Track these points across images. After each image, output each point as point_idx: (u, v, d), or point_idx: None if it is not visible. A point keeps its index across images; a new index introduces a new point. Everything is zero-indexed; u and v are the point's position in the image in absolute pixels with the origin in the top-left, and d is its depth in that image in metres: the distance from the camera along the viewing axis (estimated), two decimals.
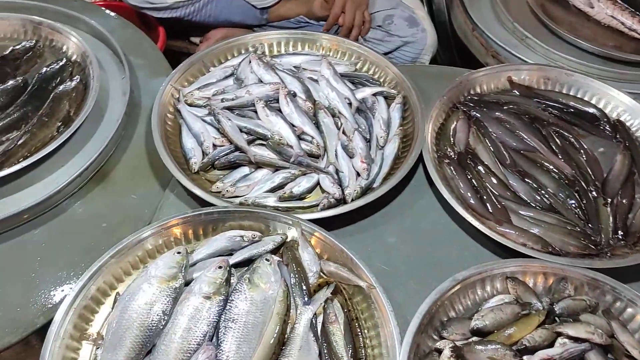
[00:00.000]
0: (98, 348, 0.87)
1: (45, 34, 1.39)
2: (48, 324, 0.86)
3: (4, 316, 0.95)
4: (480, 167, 1.18)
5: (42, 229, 1.07)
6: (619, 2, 1.64)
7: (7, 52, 1.33)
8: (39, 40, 1.38)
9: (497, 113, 1.27)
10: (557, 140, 1.23)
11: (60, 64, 1.31)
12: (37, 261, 1.02)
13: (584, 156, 1.21)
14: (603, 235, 1.07)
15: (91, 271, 0.91)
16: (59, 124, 1.20)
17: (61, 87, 1.25)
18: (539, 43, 1.51)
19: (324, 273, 0.98)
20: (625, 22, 1.59)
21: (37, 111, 1.21)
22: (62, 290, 0.98)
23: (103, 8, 1.54)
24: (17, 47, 1.34)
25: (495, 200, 1.11)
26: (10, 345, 0.93)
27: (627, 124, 1.28)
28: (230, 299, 0.90)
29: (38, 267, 1.01)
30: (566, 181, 1.16)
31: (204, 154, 1.17)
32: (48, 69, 1.29)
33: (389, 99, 1.31)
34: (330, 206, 1.08)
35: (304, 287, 0.94)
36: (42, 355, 0.83)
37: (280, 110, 1.21)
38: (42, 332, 0.89)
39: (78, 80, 1.27)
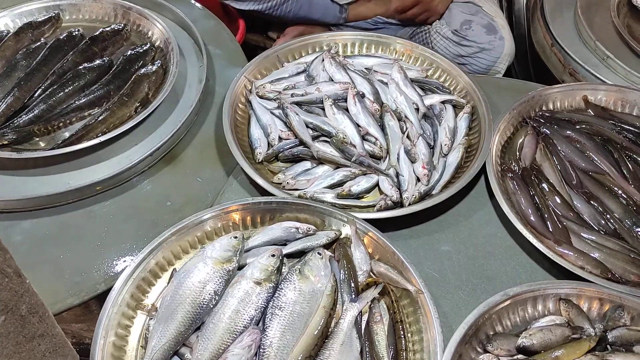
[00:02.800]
0: (151, 319, 0.91)
1: (134, 18, 1.46)
2: (108, 291, 0.91)
3: (69, 279, 1.00)
4: (544, 185, 1.14)
5: (112, 202, 1.13)
6: None
7: (97, 33, 1.40)
8: (127, 24, 1.45)
9: (568, 132, 1.24)
10: (629, 165, 1.18)
11: (145, 48, 1.37)
12: (104, 231, 1.08)
13: None
14: None
15: (152, 246, 0.96)
16: (137, 104, 1.26)
17: (143, 70, 1.31)
18: (621, 64, 1.44)
19: (373, 273, 0.98)
20: None
21: (118, 90, 1.27)
22: (124, 261, 1.03)
23: None
24: (107, 29, 1.42)
25: (556, 220, 1.08)
26: (71, 306, 0.99)
27: None
28: (279, 287, 0.92)
29: (104, 236, 1.07)
30: (634, 208, 1.11)
31: (270, 145, 1.20)
32: (133, 51, 1.36)
33: (457, 107, 1.29)
34: (387, 208, 1.09)
35: (352, 284, 0.94)
36: (99, 319, 0.88)
37: (347, 110, 1.22)
38: (101, 298, 0.94)
39: (159, 64, 1.33)
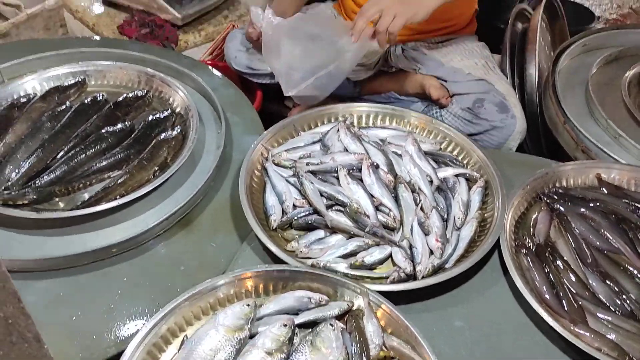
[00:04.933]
0: None
1: (156, 85, 1.52)
2: (119, 355, 0.91)
3: (80, 342, 1.01)
4: (559, 262, 1.15)
5: (126, 264, 1.14)
6: None
7: (121, 98, 1.46)
8: (149, 90, 1.51)
9: (582, 209, 1.25)
10: None
11: (165, 114, 1.43)
12: (117, 294, 1.08)
13: None
14: None
15: (165, 311, 0.96)
16: (156, 168, 1.30)
17: (163, 135, 1.35)
18: (633, 143, 1.47)
19: (385, 347, 0.98)
20: None
21: (138, 154, 1.31)
22: (136, 325, 1.04)
23: (210, 67, 1.67)
24: (130, 95, 1.48)
25: (572, 298, 1.08)
26: None
27: None
28: (290, 358, 0.92)
29: (117, 299, 1.08)
30: None
31: (284, 212, 1.22)
32: (154, 117, 1.41)
33: (470, 181, 1.32)
34: (400, 280, 1.09)
35: (364, 358, 0.94)
36: None
37: (361, 180, 1.25)
38: None
39: (179, 130, 1.38)
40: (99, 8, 1.99)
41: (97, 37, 1.91)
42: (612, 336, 1.01)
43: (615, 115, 1.57)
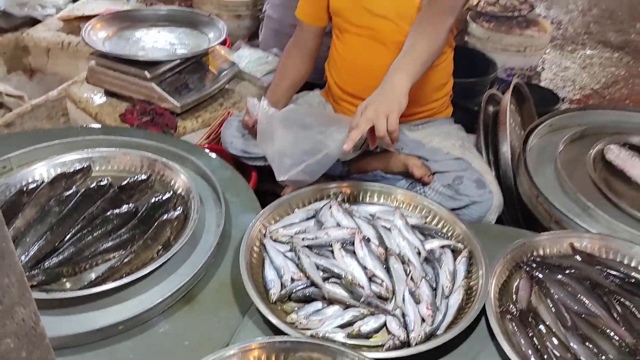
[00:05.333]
0: None
1: (158, 168, 1.60)
2: None
3: None
4: (541, 326, 1.21)
5: (132, 342, 1.17)
6: None
7: (125, 182, 1.54)
8: (152, 174, 1.58)
9: (559, 276, 1.33)
10: (618, 309, 1.26)
11: (167, 195, 1.50)
12: None
13: None
14: None
15: None
16: (160, 247, 1.36)
17: (166, 216, 1.42)
18: (601, 214, 1.57)
19: None
20: None
21: (143, 235, 1.37)
22: None
23: (207, 150, 1.77)
24: (134, 179, 1.55)
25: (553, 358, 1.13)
26: None
27: None
28: None
29: None
30: (627, 349, 1.17)
31: (283, 286, 1.28)
32: (157, 199, 1.48)
33: (455, 252, 1.40)
34: (395, 348, 1.14)
35: None
36: None
37: (354, 253, 1.32)
38: None
39: (180, 211, 1.44)
40: (101, 98, 2.09)
41: (99, 125, 2.00)
42: None
43: (583, 188, 1.68)
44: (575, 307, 1.27)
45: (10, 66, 2.46)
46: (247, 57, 2.34)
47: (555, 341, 1.18)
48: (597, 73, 3.77)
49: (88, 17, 2.59)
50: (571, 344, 1.18)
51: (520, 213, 1.83)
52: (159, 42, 2.10)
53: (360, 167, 1.84)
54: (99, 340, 1.16)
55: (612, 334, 1.21)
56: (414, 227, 1.43)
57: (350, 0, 1.76)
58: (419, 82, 1.54)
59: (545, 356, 1.15)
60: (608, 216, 1.56)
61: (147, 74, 1.93)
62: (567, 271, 1.35)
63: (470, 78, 2.47)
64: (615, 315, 1.25)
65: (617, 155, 1.83)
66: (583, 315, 1.26)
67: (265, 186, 1.93)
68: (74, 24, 2.62)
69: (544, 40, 2.79)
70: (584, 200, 1.62)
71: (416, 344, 1.14)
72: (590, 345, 1.18)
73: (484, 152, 1.95)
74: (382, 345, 1.15)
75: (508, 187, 1.83)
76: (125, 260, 1.30)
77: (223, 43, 2.38)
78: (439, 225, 1.49)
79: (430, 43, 1.53)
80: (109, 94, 2.10)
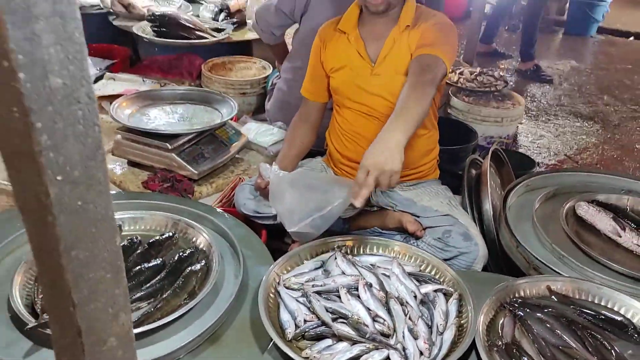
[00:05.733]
0: None
1: (181, 228, 1.78)
2: None
3: None
4: (525, 358, 1.37)
5: None
6: None
7: (152, 240, 1.71)
8: (175, 232, 1.76)
9: (538, 314, 1.50)
10: (591, 341, 1.42)
11: (191, 251, 1.66)
12: None
13: (613, 356, 1.39)
14: None
15: None
16: (186, 296, 1.52)
17: (190, 268, 1.58)
18: (575, 262, 1.75)
19: None
20: None
21: (171, 285, 1.53)
22: None
23: (223, 212, 1.95)
24: (160, 237, 1.73)
25: None
26: None
27: None
28: None
29: None
30: None
31: (297, 326, 1.43)
32: (182, 254, 1.65)
33: (447, 295, 1.56)
34: None
35: None
36: None
37: (359, 297, 1.49)
38: None
39: (203, 264, 1.61)
40: (124, 168, 2.29)
41: (123, 192, 2.19)
42: None
43: (557, 240, 1.87)
44: (554, 341, 1.43)
45: None
46: (254, 130, 2.57)
47: None
48: (569, 140, 4.06)
49: (109, 97, 2.84)
50: None
51: (503, 262, 2.01)
52: (178, 118, 2.33)
53: (360, 224, 2.03)
54: None
55: None
56: (410, 274, 1.60)
57: (347, 81, 2.01)
58: (410, 148, 1.76)
59: None
60: (580, 263, 1.74)
61: (168, 145, 2.15)
62: (545, 310, 1.52)
63: (454, 145, 2.71)
64: (588, 347, 1.41)
65: (586, 210, 2.03)
66: (560, 348, 1.42)
67: (274, 244, 2.11)
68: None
69: (519, 112, 3.06)
70: (558, 250, 1.81)
71: None
72: None
73: (469, 210, 2.15)
74: None
75: (491, 240, 2.02)
76: (158, 306, 1.46)
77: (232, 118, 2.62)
78: (432, 273, 1.66)
79: (419, 105, 1.69)
80: (131, 164, 2.30)
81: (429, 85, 1.75)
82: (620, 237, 1.92)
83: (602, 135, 4.20)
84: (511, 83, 5.04)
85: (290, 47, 2.91)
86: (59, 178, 0.56)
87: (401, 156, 1.55)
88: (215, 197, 2.22)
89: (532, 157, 2.98)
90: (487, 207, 2.05)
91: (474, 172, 2.33)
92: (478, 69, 3.34)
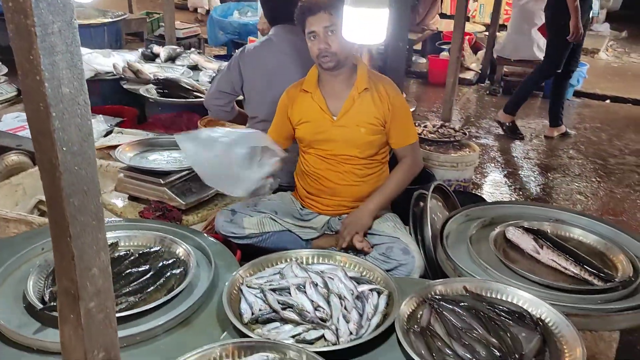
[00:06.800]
0: None
1: (167, 244, 2.10)
2: None
3: None
4: (436, 338, 1.67)
5: (147, 348, 1.62)
6: (557, 250, 2.21)
7: (143, 252, 2.04)
8: (162, 247, 2.09)
9: (452, 306, 1.80)
10: (492, 325, 1.72)
11: (173, 260, 1.99)
12: None
13: (509, 337, 1.68)
14: None
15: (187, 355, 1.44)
16: (166, 292, 1.83)
17: (171, 272, 1.91)
18: (497, 273, 2.06)
19: None
20: (561, 264, 2.15)
21: (154, 283, 1.85)
22: None
23: (203, 233, 2.29)
24: (149, 249, 2.06)
25: (442, 357, 1.58)
26: None
27: (546, 322, 1.76)
28: None
29: None
30: (494, 350, 1.62)
31: (252, 313, 1.74)
32: (165, 262, 1.97)
33: (380, 293, 1.87)
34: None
35: None
36: None
37: (305, 293, 1.80)
38: None
39: (182, 269, 1.94)
40: (124, 202, 2.66)
41: (122, 219, 2.55)
42: None
43: (486, 257, 2.17)
44: (461, 325, 1.73)
45: None
46: None
47: (444, 346, 1.63)
48: (529, 188, 4.41)
49: (116, 147, 3.24)
50: (454, 347, 1.63)
51: (440, 275, 2.31)
52: (170, 159, 2.72)
53: (319, 245, 2.36)
54: (122, 346, 1.60)
55: (484, 341, 1.66)
56: (351, 278, 1.92)
57: (310, 132, 2.41)
58: (365, 184, 2.24)
59: (435, 354, 1.59)
60: (500, 274, 2.05)
61: (161, 180, 2.52)
62: (460, 303, 1.82)
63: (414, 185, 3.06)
64: (489, 330, 1.70)
65: (513, 233, 2.34)
66: (465, 330, 1.71)
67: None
68: (104, 152, 3.25)
69: (472, 157, 3.43)
70: (484, 264, 2.12)
71: (341, 343, 1.59)
72: (469, 349, 1.63)
73: (413, 234, 2.47)
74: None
75: (431, 258, 2.33)
76: (142, 298, 1.78)
77: None
78: (368, 276, 1.98)
79: (398, 186, 2.45)
80: (131, 198, 2.67)
81: (416, 167, 2.49)
82: (539, 254, 2.23)
83: (561, 183, 4.55)
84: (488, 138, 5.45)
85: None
86: (64, 149, 0.92)
87: (371, 220, 2.35)
88: (201, 225, 2.56)
89: (484, 197, 3.31)
90: (427, 229, 2.37)
91: (421, 204, 2.66)
92: (440, 122, 3.74)
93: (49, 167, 0.93)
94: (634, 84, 5.48)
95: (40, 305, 1.69)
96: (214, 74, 4.36)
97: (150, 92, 4.02)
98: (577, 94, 7.50)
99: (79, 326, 1.04)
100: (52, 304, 1.70)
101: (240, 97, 3.05)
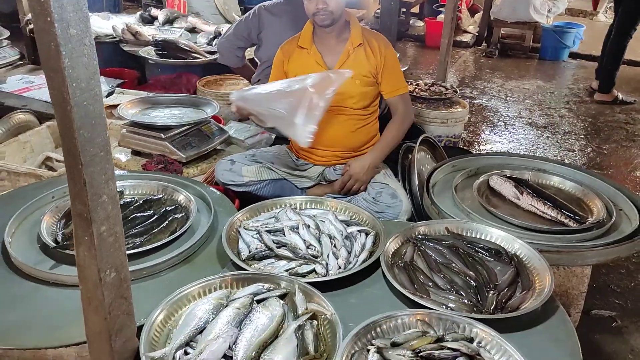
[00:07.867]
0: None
1: (169, 191, 2.22)
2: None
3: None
4: (418, 272, 1.80)
5: (153, 282, 1.75)
6: (537, 196, 2.33)
7: (146, 199, 2.16)
8: (164, 195, 2.21)
9: (433, 244, 1.93)
10: (470, 260, 1.85)
11: (175, 206, 2.12)
12: (152, 295, 1.69)
13: (485, 270, 1.81)
14: (486, 309, 1.63)
15: (183, 289, 1.58)
16: (169, 233, 1.96)
17: (173, 216, 2.04)
18: (478, 216, 2.18)
19: (307, 309, 1.58)
20: (539, 208, 2.27)
21: (158, 226, 1.97)
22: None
23: (203, 182, 2.41)
24: (153, 197, 2.18)
25: (423, 288, 1.71)
26: None
27: (520, 257, 1.89)
28: (250, 313, 1.52)
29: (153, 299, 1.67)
30: (471, 281, 1.75)
31: (249, 251, 1.87)
32: (168, 208, 2.10)
33: (367, 234, 2.00)
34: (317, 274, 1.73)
35: (293, 315, 1.54)
36: None
37: (299, 233, 1.93)
38: None
39: (183, 214, 2.06)
40: (127, 156, 2.77)
41: (127, 171, 2.67)
42: (441, 300, 1.64)
43: (469, 204, 2.29)
44: (441, 260, 1.86)
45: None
46: (235, 127, 3.05)
47: (425, 279, 1.76)
48: (520, 145, 4.51)
49: (118, 105, 3.33)
50: (434, 279, 1.77)
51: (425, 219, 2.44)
52: (171, 116, 2.82)
53: (314, 193, 2.48)
54: (131, 279, 1.73)
55: (461, 274, 1.79)
56: (341, 221, 2.04)
57: None
58: (357, 134, 2.33)
59: (417, 285, 1.72)
60: (482, 217, 2.17)
61: (162, 135, 2.63)
62: (442, 242, 1.95)
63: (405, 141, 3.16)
64: (467, 264, 1.84)
65: (495, 181, 2.46)
66: (445, 264, 1.84)
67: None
68: (107, 111, 3.35)
69: (462, 113, 3.52)
70: (467, 208, 2.24)
71: (330, 275, 1.72)
72: (447, 280, 1.76)
73: (401, 181, 2.59)
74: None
75: (417, 204, 2.45)
76: (147, 239, 1.91)
77: (218, 120, 3.09)
78: (357, 219, 2.10)
79: (394, 138, 2.57)
80: (134, 152, 2.78)
81: (408, 119, 2.60)
82: (519, 200, 2.35)
83: (550, 139, 4.64)
84: (478, 100, 5.51)
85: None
86: (74, 85, 1.02)
87: (370, 175, 2.48)
88: (201, 177, 2.67)
89: (470, 151, 3.42)
90: (414, 177, 2.49)
91: (409, 156, 2.77)
92: (432, 81, 3.82)
93: (61, 101, 1.03)
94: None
95: (54, 244, 1.82)
96: (212, 36, 4.42)
97: (149, 53, 4.09)
98: (573, 55, 7.53)
99: (92, 246, 1.16)
100: (64, 242, 1.83)
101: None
